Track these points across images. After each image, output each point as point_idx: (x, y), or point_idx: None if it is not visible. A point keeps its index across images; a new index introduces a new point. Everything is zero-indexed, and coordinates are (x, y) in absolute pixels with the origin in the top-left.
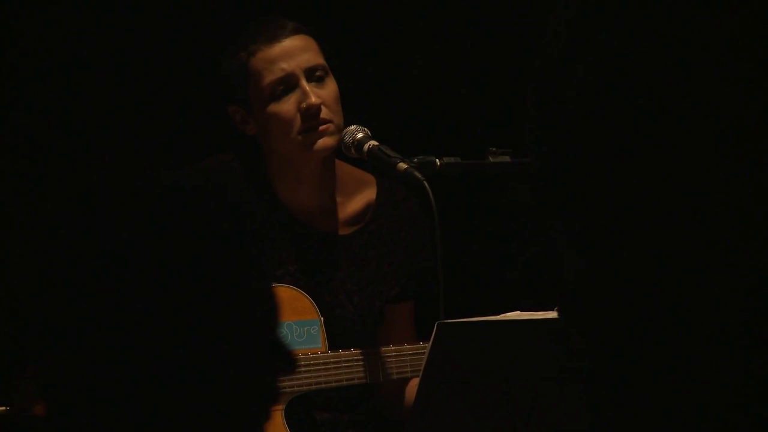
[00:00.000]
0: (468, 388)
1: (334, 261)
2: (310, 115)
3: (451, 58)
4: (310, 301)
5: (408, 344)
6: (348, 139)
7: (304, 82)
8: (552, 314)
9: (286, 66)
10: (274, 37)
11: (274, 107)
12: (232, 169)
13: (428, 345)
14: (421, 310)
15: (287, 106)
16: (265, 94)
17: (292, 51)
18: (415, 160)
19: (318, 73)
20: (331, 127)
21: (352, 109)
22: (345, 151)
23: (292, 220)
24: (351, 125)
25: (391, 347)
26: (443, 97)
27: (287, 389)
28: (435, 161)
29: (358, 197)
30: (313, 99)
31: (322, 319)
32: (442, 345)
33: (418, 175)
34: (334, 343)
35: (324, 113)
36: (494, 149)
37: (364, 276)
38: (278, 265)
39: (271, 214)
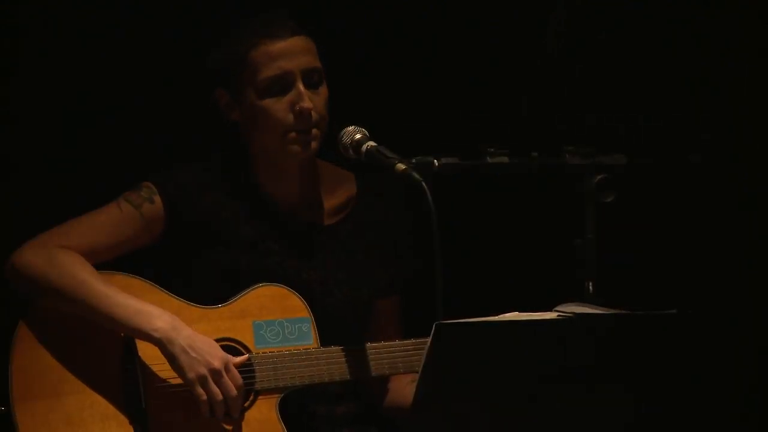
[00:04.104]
0: (467, 389)
1: (322, 250)
2: (302, 118)
3: (449, 59)
4: (300, 299)
5: (398, 340)
6: (346, 139)
7: (300, 84)
8: (551, 314)
9: (285, 64)
10: (278, 35)
11: (266, 102)
12: (215, 168)
13: (426, 344)
14: (420, 310)
15: (280, 104)
16: (259, 88)
17: (293, 51)
18: (414, 160)
19: (314, 78)
20: (317, 133)
21: (350, 110)
22: (343, 152)
23: (277, 212)
24: (349, 126)
25: (383, 343)
26: (441, 97)
27: (281, 385)
28: (433, 161)
29: (340, 190)
30: (307, 103)
31: (312, 316)
32: (441, 345)
33: (417, 175)
34: (326, 333)
35: (314, 118)
36: (492, 149)
37: (353, 265)
38: (266, 255)
39: (255, 207)
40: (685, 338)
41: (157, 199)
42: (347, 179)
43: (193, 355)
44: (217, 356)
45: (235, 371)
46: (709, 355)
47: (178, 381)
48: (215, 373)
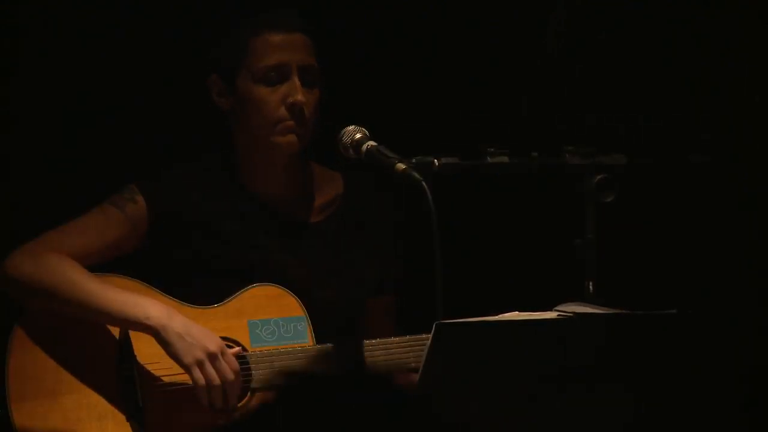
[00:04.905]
0: (467, 389)
1: (309, 247)
2: (294, 111)
3: (449, 58)
4: (295, 298)
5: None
6: (346, 139)
7: (296, 78)
8: (551, 314)
9: (284, 56)
10: (281, 27)
11: (260, 91)
12: (202, 166)
13: (422, 341)
14: (420, 310)
15: (274, 96)
16: (255, 76)
17: (294, 45)
18: (414, 160)
19: (310, 77)
20: (304, 129)
21: (350, 110)
22: (343, 152)
23: (263, 208)
24: (349, 125)
25: (378, 340)
26: (442, 97)
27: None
28: (433, 161)
29: (327, 189)
30: (300, 96)
31: (307, 315)
32: (441, 345)
33: (417, 175)
34: (315, 330)
35: (306, 113)
36: (492, 149)
37: (341, 262)
38: (253, 251)
39: (241, 203)
40: (685, 338)
41: (139, 198)
42: (334, 178)
43: (189, 340)
44: (213, 341)
45: (231, 356)
46: (709, 355)
47: (175, 379)
48: (212, 357)
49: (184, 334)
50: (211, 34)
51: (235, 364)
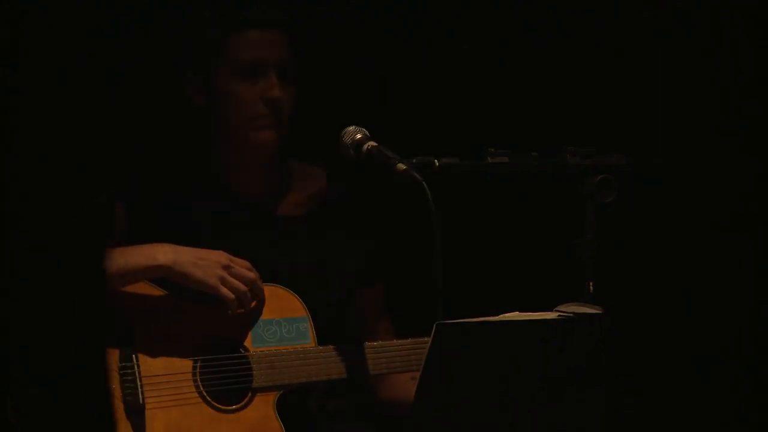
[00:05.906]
0: (467, 389)
1: (290, 241)
2: (273, 107)
3: (449, 58)
4: (297, 299)
5: (390, 336)
6: (347, 139)
7: (273, 75)
8: (551, 314)
9: (262, 53)
10: (260, 23)
11: (238, 86)
12: (179, 164)
13: (424, 344)
14: (420, 310)
15: (251, 92)
16: (234, 71)
17: (272, 41)
18: (414, 160)
19: (288, 73)
20: (282, 125)
21: (351, 109)
22: (344, 152)
23: (241, 203)
24: (350, 126)
25: (380, 342)
26: (442, 97)
27: (278, 383)
28: (434, 162)
29: (308, 184)
30: (278, 92)
31: (310, 316)
32: (442, 345)
33: (417, 175)
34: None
35: (283, 109)
36: (493, 149)
37: (326, 254)
38: (234, 247)
39: (223, 204)
40: (685, 338)
41: (118, 204)
42: (317, 174)
43: (203, 263)
44: (219, 254)
45: (238, 259)
46: (708, 355)
47: (176, 376)
48: (228, 268)
49: (196, 259)
50: (187, 30)
51: (246, 263)
